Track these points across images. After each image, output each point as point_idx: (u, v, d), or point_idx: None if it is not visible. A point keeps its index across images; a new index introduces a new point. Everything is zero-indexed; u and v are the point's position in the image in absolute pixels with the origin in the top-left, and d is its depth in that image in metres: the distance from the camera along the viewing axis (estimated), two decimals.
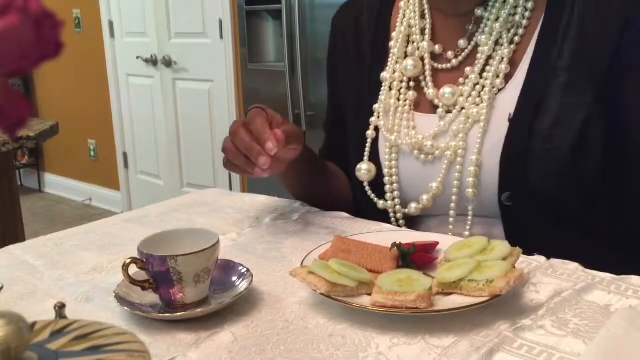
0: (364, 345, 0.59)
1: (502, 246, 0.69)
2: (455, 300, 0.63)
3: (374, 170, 0.93)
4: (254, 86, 2.88)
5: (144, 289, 0.67)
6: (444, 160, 0.87)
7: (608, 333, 0.56)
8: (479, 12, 0.89)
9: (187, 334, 0.62)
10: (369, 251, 0.74)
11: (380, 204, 0.93)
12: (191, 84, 3.42)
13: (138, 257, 0.66)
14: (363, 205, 0.97)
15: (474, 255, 0.69)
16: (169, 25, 3.44)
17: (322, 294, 0.64)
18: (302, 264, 0.72)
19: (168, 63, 3.48)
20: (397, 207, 0.92)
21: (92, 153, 4.27)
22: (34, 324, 0.43)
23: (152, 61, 3.56)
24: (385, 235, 0.80)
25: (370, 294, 0.65)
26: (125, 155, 3.99)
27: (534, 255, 0.76)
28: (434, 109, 0.91)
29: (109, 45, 3.85)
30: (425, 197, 0.88)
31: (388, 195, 0.92)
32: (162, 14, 3.44)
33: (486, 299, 0.62)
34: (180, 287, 0.65)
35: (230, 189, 3.26)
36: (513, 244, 0.76)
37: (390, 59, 0.95)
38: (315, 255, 0.74)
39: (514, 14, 0.87)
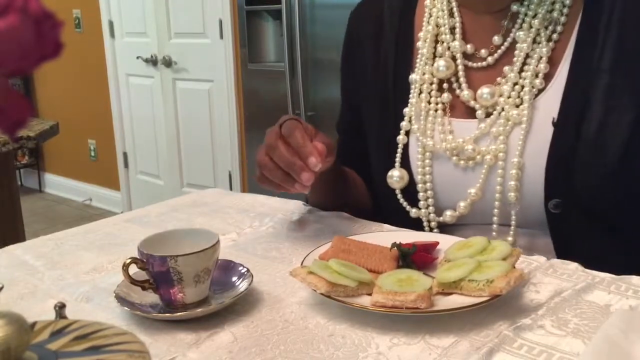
0: (364, 345, 0.59)
1: (502, 246, 0.69)
2: (455, 300, 0.63)
3: (407, 177, 0.89)
4: (254, 86, 2.88)
5: (144, 289, 0.67)
6: (484, 165, 0.83)
7: (605, 334, 0.56)
8: (514, 7, 0.85)
9: (187, 334, 0.62)
10: (369, 251, 0.74)
11: (413, 212, 0.90)
12: (191, 84, 3.42)
13: (138, 257, 0.66)
14: (393, 213, 0.93)
15: (474, 255, 0.69)
16: (169, 25, 3.44)
17: (322, 294, 0.64)
18: (302, 264, 0.72)
19: (168, 63, 3.48)
20: (432, 215, 0.88)
21: (92, 153, 4.27)
22: (34, 324, 0.43)
23: (152, 61, 3.56)
24: (385, 235, 0.80)
25: (370, 294, 0.65)
26: (125, 155, 3.99)
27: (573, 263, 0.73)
28: (469, 111, 0.87)
29: (109, 45, 3.85)
30: (462, 204, 0.85)
31: (421, 202, 0.89)
32: (162, 14, 3.44)
33: (486, 299, 0.62)
34: (181, 287, 0.65)
35: (231, 189, 3.26)
36: (560, 253, 0.76)
37: (418, 61, 0.91)
38: (315, 255, 0.74)
39: (552, 10, 0.84)
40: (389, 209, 0.94)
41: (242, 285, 0.69)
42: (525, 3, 0.85)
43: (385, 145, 0.93)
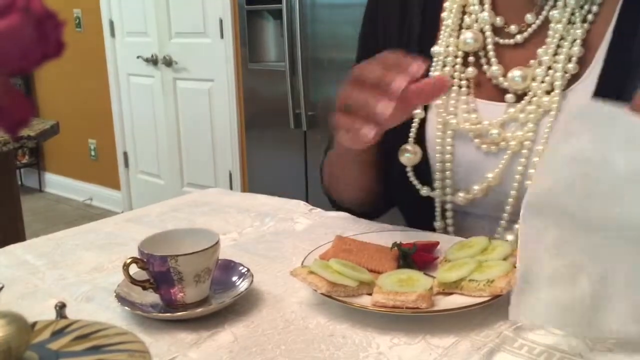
0: (364, 345, 0.59)
1: (503, 246, 0.69)
2: (456, 300, 0.63)
3: (420, 153, 0.84)
4: (254, 86, 2.88)
5: (144, 288, 0.67)
6: (507, 150, 0.79)
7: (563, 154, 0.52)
8: None
9: (187, 334, 0.62)
10: (370, 251, 0.74)
11: (424, 190, 0.85)
12: (192, 83, 3.42)
13: (139, 257, 0.66)
14: (400, 191, 0.89)
15: (475, 256, 0.69)
16: (169, 24, 3.44)
17: (322, 294, 0.64)
18: (302, 263, 0.72)
19: (168, 63, 3.48)
20: (449, 196, 0.84)
21: (93, 153, 4.27)
22: (35, 323, 0.43)
23: (153, 61, 3.56)
24: (385, 235, 0.80)
25: (370, 294, 0.65)
26: (125, 154, 3.99)
27: None
28: (495, 91, 0.82)
29: (109, 44, 3.85)
30: (476, 187, 0.81)
31: (437, 183, 0.84)
32: (162, 13, 3.44)
33: (487, 298, 0.62)
34: (181, 286, 0.65)
35: (231, 188, 3.26)
36: None
37: (442, 32, 0.85)
38: (316, 255, 0.74)
39: None
40: (398, 186, 0.89)
41: (242, 285, 0.69)
42: None
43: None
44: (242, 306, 0.67)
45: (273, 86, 2.75)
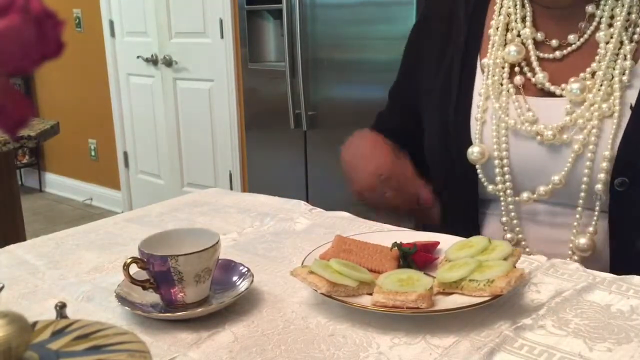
0: (364, 345, 0.59)
1: (503, 246, 0.69)
2: (456, 300, 0.63)
3: (487, 153, 0.90)
4: (254, 86, 2.88)
5: (144, 288, 0.67)
6: (570, 153, 0.85)
7: None
8: (590, 8, 0.89)
9: (187, 334, 0.62)
10: (370, 251, 0.74)
11: (491, 188, 0.91)
12: (192, 83, 3.42)
13: (139, 257, 0.66)
14: (464, 191, 0.95)
15: (475, 255, 0.69)
16: (169, 24, 3.43)
17: (322, 293, 0.64)
18: (302, 263, 0.72)
19: (168, 62, 3.47)
20: (509, 191, 0.90)
21: (93, 152, 4.27)
22: (35, 323, 0.43)
23: (153, 61, 3.56)
24: (386, 235, 0.80)
25: (371, 294, 0.65)
26: (125, 154, 3.99)
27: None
28: (542, 91, 0.90)
29: (109, 44, 3.85)
30: (542, 188, 0.87)
31: (498, 179, 0.90)
32: (162, 13, 3.44)
33: (487, 298, 0.62)
34: (181, 286, 0.65)
35: (231, 188, 3.25)
36: (618, 235, 0.81)
37: (490, 46, 0.95)
38: (316, 255, 0.74)
39: (629, 13, 0.87)
40: (459, 187, 0.95)
41: (242, 285, 0.69)
42: (602, 4, 0.88)
43: (452, 123, 0.94)
44: (242, 306, 0.67)
45: (273, 86, 2.75)
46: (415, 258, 0.73)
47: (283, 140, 2.72)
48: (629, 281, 0.69)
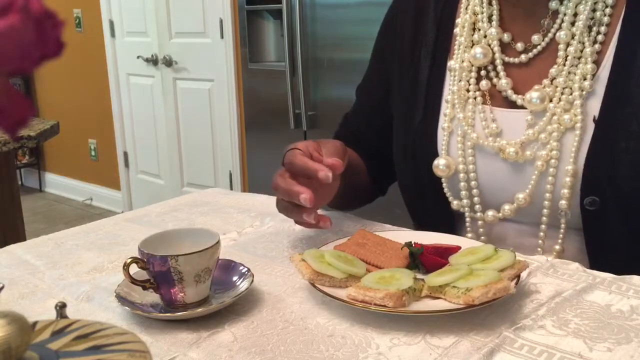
0: (364, 345, 0.59)
1: (505, 257, 0.68)
2: (438, 305, 0.63)
3: (454, 166, 0.86)
4: (254, 86, 2.88)
5: (144, 288, 0.67)
6: (534, 170, 0.81)
7: None
8: (553, 4, 0.82)
9: (187, 334, 0.62)
10: (384, 248, 0.74)
11: (455, 204, 0.87)
12: (192, 83, 3.42)
13: (139, 257, 0.66)
14: (433, 202, 0.91)
15: (474, 263, 0.68)
16: (169, 24, 3.44)
17: (308, 281, 0.65)
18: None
19: (168, 62, 3.48)
20: (477, 206, 0.86)
21: (93, 152, 4.27)
22: (35, 323, 0.43)
23: (153, 61, 3.56)
24: (410, 235, 0.79)
25: None
26: (125, 154, 3.99)
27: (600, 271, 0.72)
28: (506, 101, 0.85)
29: (109, 44, 3.85)
30: (507, 207, 0.83)
31: (463, 193, 0.86)
32: (162, 13, 3.44)
33: (459, 306, 0.61)
34: (181, 286, 0.65)
35: (231, 188, 3.25)
36: (594, 254, 0.77)
37: (457, 48, 0.89)
38: (335, 244, 0.75)
39: (594, 10, 0.81)
40: (424, 201, 0.92)
41: (242, 285, 0.69)
42: (565, 2, 0.82)
43: (419, 132, 0.90)
44: (242, 306, 0.67)
45: (273, 86, 2.75)
46: (423, 259, 0.72)
47: (283, 140, 2.71)
48: (629, 281, 0.69)
